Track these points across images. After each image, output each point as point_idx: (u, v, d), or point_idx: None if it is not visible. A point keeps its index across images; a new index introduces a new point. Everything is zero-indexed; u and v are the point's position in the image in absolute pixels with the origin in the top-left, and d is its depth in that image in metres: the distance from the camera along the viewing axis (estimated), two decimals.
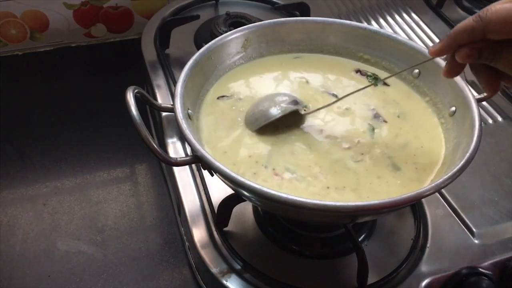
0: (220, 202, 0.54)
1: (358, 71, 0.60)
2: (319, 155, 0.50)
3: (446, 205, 0.61)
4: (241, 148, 0.51)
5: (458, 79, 0.52)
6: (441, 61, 0.55)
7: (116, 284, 0.60)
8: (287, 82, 0.59)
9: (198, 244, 0.55)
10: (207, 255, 0.54)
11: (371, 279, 0.51)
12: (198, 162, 0.45)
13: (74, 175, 0.72)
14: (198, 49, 0.55)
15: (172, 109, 0.48)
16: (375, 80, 0.58)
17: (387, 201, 0.41)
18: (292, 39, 0.61)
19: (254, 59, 0.60)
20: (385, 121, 0.55)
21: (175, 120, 0.46)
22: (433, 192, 0.42)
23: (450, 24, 0.89)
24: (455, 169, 0.43)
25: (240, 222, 0.58)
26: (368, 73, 0.60)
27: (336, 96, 0.57)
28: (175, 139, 0.66)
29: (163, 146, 0.66)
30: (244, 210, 0.58)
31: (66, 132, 0.78)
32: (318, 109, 0.53)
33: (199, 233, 0.56)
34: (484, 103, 0.75)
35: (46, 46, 0.93)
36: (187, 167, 0.63)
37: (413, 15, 0.92)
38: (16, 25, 0.88)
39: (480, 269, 0.53)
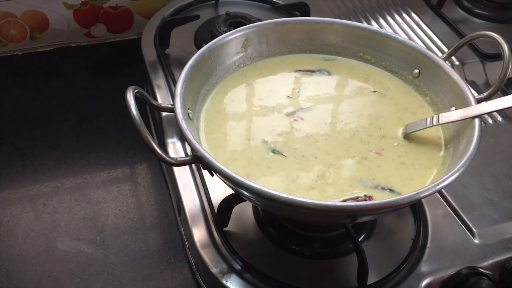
0: (220, 202, 0.54)
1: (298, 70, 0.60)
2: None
3: (446, 205, 0.61)
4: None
5: (458, 79, 0.52)
6: (441, 61, 0.55)
7: (116, 284, 0.60)
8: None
9: (198, 244, 0.55)
10: (207, 255, 0.54)
11: (371, 279, 0.51)
12: (198, 162, 0.45)
13: (74, 175, 0.72)
14: (198, 49, 0.55)
15: (172, 109, 0.48)
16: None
17: (387, 201, 0.41)
18: (292, 39, 0.61)
19: (255, 60, 0.60)
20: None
21: (175, 120, 0.46)
22: (433, 192, 0.42)
23: (450, 24, 0.89)
24: (455, 169, 0.43)
25: (240, 222, 0.58)
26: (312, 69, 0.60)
27: None
28: (175, 139, 0.66)
29: (163, 146, 0.66)
30: (244, 210, 0.58)
31: (66, 132, 0.78)
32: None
33: (199, 233, 0.56)
34: None
35: (46, 46, 0.93)
36: (187, 167, 0.63)
37: (413, 15, 0.92)
38: (16, 25, 0.88)
39: (480, 269, 0.53)
